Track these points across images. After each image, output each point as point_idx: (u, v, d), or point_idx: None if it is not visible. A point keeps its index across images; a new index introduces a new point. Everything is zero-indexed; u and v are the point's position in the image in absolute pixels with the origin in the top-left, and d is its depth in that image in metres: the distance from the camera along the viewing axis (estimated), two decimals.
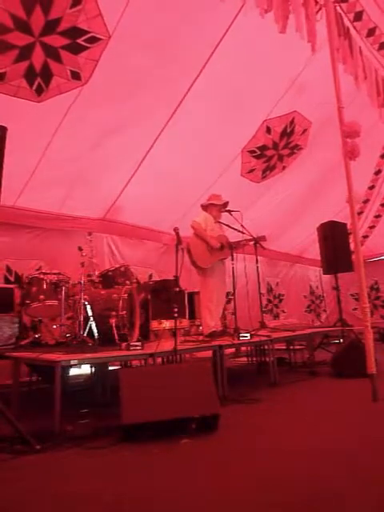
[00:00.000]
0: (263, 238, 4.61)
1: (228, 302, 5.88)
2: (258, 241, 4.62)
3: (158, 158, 4.95)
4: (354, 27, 4.22)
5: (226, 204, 4.56)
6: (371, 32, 4.35)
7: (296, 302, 9.17)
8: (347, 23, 4.16)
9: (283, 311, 8.75)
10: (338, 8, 3.92)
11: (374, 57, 4.56)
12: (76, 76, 3.79)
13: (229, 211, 4.52)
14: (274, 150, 5.75)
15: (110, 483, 1.90)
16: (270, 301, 8.54)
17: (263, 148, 5.62)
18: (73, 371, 4.55)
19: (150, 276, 6.16)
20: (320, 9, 3.77)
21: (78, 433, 2.62)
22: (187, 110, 4.56)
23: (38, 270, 4.53)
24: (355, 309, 9.11)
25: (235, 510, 1.61)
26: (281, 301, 8.81)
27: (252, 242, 4.63)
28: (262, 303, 7.92)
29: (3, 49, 3.38)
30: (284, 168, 6.18)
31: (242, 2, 3.61)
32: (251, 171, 5.87)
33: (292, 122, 5.46)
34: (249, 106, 4.88)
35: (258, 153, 5.65)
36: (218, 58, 4.19)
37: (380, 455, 2.09)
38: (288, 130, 5.55)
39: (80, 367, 4.48)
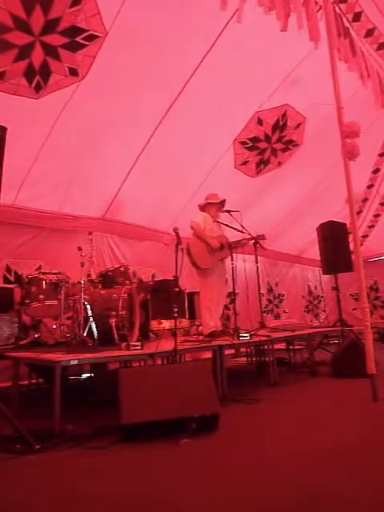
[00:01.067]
0: (262, 237, 4.60)
1: (230, 302, 5.89)
2: (257, 240, 4.61)
3: (154, 153, 4.96)
4: (353, 27, 4.22)
5: (223, 202, 4.55)
6: (370, 32, 4.36)
7: (295, 302, 9.18)
8: (347, 24, 4.16)
9: (285, 311, 8.76)
10: (336, 8, 3.93)
11: (373, 59, 4.56)
12: (73, 72, 3.82)
13: (228, 211, 4.52)
14: (266, 143, 5.77)
15: (109, 483, 1.90)
16: (270, 301, 8.55)
17: (255, 139, 5.64)
18: (73, 371, 4.54)
19: (153, 275, 6.16)
20: (320, 9, 3.78)
21: (77, 432, 2.61)
22: (183, 103, 4.58)
23: (37, 269, 4.52)
24: (355, 309, 9.12)
25: (235, 510, 1.61)
26: (281, 301, 8.82)
27: (251, 242, 4.63)
28: (263, 303, 7.99)
29: (3, 48, 3.40)
30: (280, 164, 6.19)
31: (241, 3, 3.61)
32: (245, 163, 5.89)
33: (284, 115, 5.49)
34: (241, 96, 4.91)
35: (250, 144, 5.67)
36: (213, 52, 4.21)
37: (380, 455, 2.09)
38: (280, 123, 5.58)
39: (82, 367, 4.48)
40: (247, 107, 5.25)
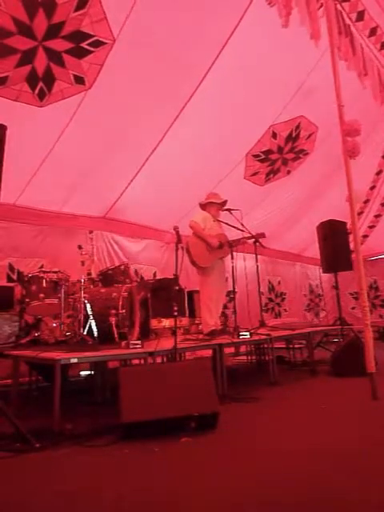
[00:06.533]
0: (262, 235, 4.58)
1: (229, 300, 5.89)
2: (257, 238, 4.60)
3: (161, 160, 4.95)
4: (356, 27, 4.21)
5: (224, 202, 4.55)
6: (373, 32, 4.35)
7: (296, 301, 9.17)
8: (348, 21, 4.15)
9: (285, 310, 8.75)
10: (338, 6, 3.92)
11: (375, 57, 4.55)
12: (80, 80, 3.75)
13: (229, 210, 4.51)
14: (278, 154, 5.76)
15: (109, 481, 1.90)
16: (271, 299, 8.53)
17: (268, 152, 5.63)
18: (73, 370, 4.55)
19: (155, 274, 6.16)
20: (321, 6, 3.77)
21: (77, 431, 2.61)
22: (192, 114, 4.55)
23: (40, 268, 4.54)
24: (354, 308, 9.11)
25: (235, 510, 1.61)
26: (283, 299, 8.81)
27: (251, 240, 4.62)
28: (264, 302, 7.98)
29: (5, 53, 3.33)
30: (289, 172, 6.17)
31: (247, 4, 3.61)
32: (255, 174, 5.88)
33: (298, 126, 5.47)
34: (255, 111, 4.88)
35: (263, 157, 5.66)
36: (223, 62, 4.17)
37: (380, 455, 2.09)
38: (293, 135, 5.55)
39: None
40: (262, 121, 5.21)
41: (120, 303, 3.73)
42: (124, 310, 3.72)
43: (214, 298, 4.34)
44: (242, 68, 4.33)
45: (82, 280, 3.70)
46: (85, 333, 3.52)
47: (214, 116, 4.74)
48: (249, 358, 5.74)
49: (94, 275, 4.18)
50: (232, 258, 4.38)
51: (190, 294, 5.47)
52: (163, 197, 5.44)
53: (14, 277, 4.72)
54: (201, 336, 4.30)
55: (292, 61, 4.44)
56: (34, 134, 4.00)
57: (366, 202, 7.83)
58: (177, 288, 3.68)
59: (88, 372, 4.65)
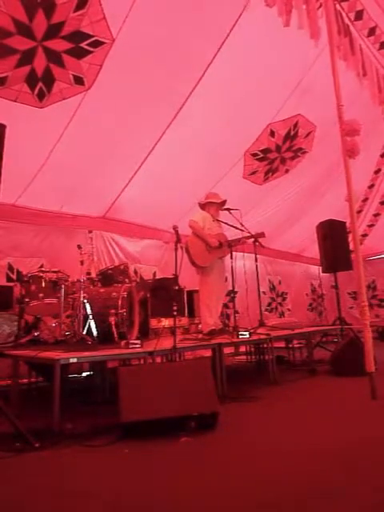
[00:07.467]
0: (262, 235, 4.58)
1: (230, 300, 5.88)
2: (256, 238, 4.60)
3: (160, 159, 4.94)
4: (355, 26, 4.22)
5: (223, 202, 4.55)
6: (372, 31, 4.35)
7: (298, 301, 9.16)
8: (347, 21, 4.15)
9: (289, 310, 8.75)
10: (337, 6, 3.92)
11: (374, 56, 4.56)
12: (79, 81, 3.75)
13: (228, 209, 4.51)
14: (276, 153, 5.75)
15: (109, 481, 1.90)
16: (273, 299, 8.53)
17: (266, 151, 5.62)
18: (73, 369, 4.54)
19: (154, 273, 6.17)
20: (320, 6, 3.78)
21: (77, 431, 2.62)
22: (190, 113, 4.54)
23: (40, 267, 4.54)
24: (351, 307, 9.12)
25: (234, 509, 1.61)
26: (284, 299, 8.81)
27: (251, 240, 4.62)
28: (266, 302, 7.98)
29: (4, 53, 3.32)
30: (287, 171, 6.17)
31: (245, 3, 3.60)
32: (253, 173, 5.87)
33: (296, 125, 5.46)
34: (253, 109, 4.87)
35: (261, 156, 5.65)
36: (221, 62, 4.17)
37: (379, 454, 2.09)
38: (292, 134, 5.55)
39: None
40: (260, 119, 5.20)
41: (119, 303, 3.73)
42: (123, 310, 3.72)
43: (214, 298, 4.35)
44: (240, 67, 4.33)
45: (82, 280, 3.70)
46: (84, 332, 3.52)
47: (212, 115, 4.74)
48: (248, 357, 5.74)
49: (93, 275, 4.19)
50: (231, 257, 4.38)
51: (190, 293, 5.47)
52: (162, 196, 5.44)
53: (14, 276, 4.72)
54: (200, 336, 4.31)
55: (290, 59, 4.43)
56: (33, 135, 4.00)
57: (365, 200, 7.83)
58: (176, 288, 3.68)
59: (87, 372, 4.65)
